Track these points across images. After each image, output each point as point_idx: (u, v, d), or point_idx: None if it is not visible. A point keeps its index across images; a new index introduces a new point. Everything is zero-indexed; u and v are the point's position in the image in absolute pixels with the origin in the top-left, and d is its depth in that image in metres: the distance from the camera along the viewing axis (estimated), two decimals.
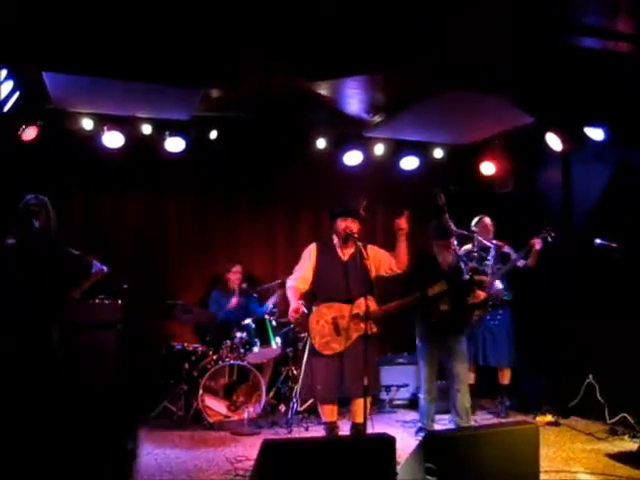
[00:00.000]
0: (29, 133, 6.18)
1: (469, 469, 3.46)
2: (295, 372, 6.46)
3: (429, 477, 3.32)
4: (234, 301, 6.80)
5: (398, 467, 3.51)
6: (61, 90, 5.85)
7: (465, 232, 5.90)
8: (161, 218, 7.34)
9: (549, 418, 6.16)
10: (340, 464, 3.26)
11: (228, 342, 6.35)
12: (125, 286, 6.27)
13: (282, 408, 6.57)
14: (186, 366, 6.31)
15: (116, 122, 6.54)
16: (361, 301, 4.72)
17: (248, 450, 5.23)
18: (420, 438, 4.23)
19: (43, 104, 6.18)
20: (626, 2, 4.46)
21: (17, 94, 5.52)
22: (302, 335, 6.33)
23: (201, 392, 6.02)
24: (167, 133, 6.72)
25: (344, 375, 4.86)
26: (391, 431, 4.32)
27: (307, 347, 5.11)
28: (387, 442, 3.39)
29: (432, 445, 3.46)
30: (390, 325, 5.37)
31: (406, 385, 7.02)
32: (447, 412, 5.92)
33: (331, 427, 5.02)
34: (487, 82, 5.47)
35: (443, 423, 5.98)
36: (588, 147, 6.36)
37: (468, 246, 6.17)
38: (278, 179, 7.54)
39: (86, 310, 6.03)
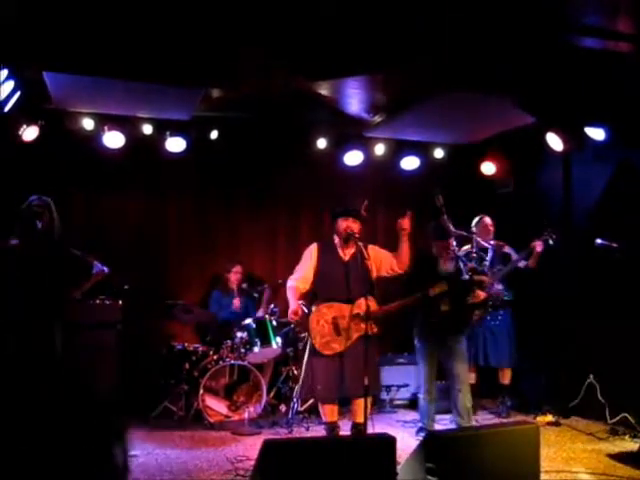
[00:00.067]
0: (30, 133, 6.18)
1: (470, 469, 3.46)
2: (295, 372, 6.46)
3: (430, 477, 3.32)
4: (236, 303, 6.80)
5: (398, 467, 3.50)
6: (62, 90, 5.85)
7: (464, 233, 5.91)
8: (161, 218, 7.34)
9: (550, 418, 6.16)
10: (340, 464, 3.26)
11: (229, 342, 6.35)
12: (126, 287, 6.28)
13: (283, 408, 6.57)
14: (187, 366, 6.32)
15: (117, 122, 6.54)
16: (362, 301, 4.72)
17: (249, 450, 5.23)
18: (420, 438, 4.23)
19: (44, 104, 6.18)
20: (626, 2, 4.47)
21: (18, 94, 5.51)
22: (302, 335, 6.33)
23: (202, 392, 6.02)
24: (168, 133, 6.73)
25: (344, 375, 4.86)
26: (391, 431, 4.33)
27: (307, 347, 5.12)
28: (387, 442, 3.38)
29: (432, 445, 3.46)
30: (390, 325, 5.38)
31: (406, 385, 7.01)
32: (447, 412, 5.93)
33: (332, 427, 5.02)
34: (487, 82, 5.47)
35: (444, 423, 5.98)
36: (588, 147, 6.36)
37: (467, 247, 6.18)
38: (278, 179, 7.54)
39: (86, 310, 6.04)
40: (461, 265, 5.43)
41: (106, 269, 5.32)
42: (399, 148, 7.65)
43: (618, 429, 5.73)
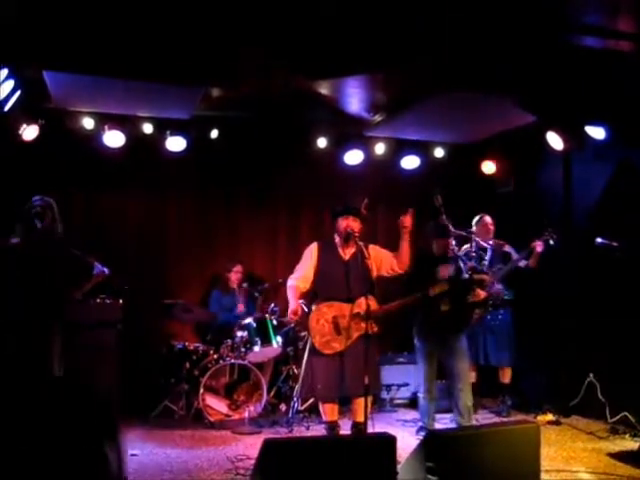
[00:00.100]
0: (30, 132, 6.18)
1: (470, 468, 3.46)
2: (296, 371, 6.46)
3: (430, 476, 3.32)
4: (241, 307, 6.79)
5: (399, 466, 3.50)
6: (62, 89, 5.85)
7: (463, 233, 5.91)
8: (162, 217, 7.35)
9: (550, 417, 6.16)
10: (341, 463, 3.26)
11: (229, 341, 6.35)
12: (126, 287, 6.28)
13: (283, 407, 6.57)
14: (187, 365, 6.32)
15: (117, 121, 6.54)
16: (362, 300, 4.72)
17: (249, 449, 5.23)
18: (421, 437, 4.24)
19: (44, 103, 6.18)
20: (626, 1, 4.46)
21: (18, 93, 5.52)
22: (303, 334, 6.33)
23: (202, 391, 6.02)
24: (168, 132, 6.73)
25: (345, 374, 4.86)
26: (392, 430, 4.33)
27: (307, 346, 5.12)
28: (388, 441, 3.39)
29: (433, 444, 3.46)
30: (391, 324, 5.37)
31: (407, 384, 7.02)
32: (447, 411, 5.93)
33: (332, 426, 5.02)
34: (487, 82, 5.47)
35: (444, 422, 5.98)
36: (589, 146, 6.36)
37: (466, 246, 6.18)
38: (279, 178, 7.54)
39: (87, 310, 6.03)
40: (461, 264, 5.43)
41: (106, 270, 5.33)
42: (399, 147, 7.65)
43: (618, 428, 5.73)
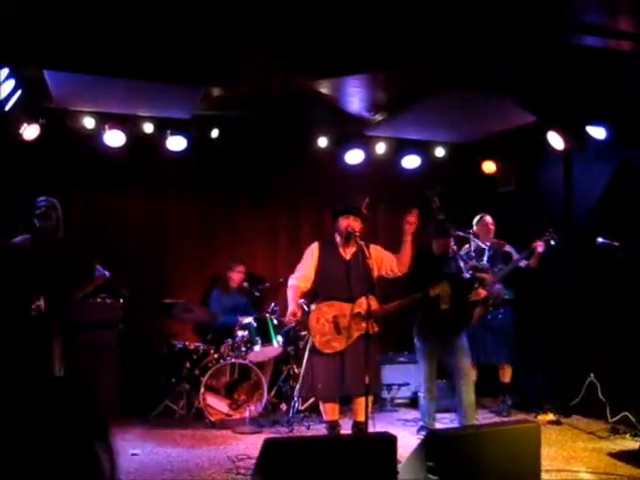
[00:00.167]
0: (30, 132, 6.19)
1: (470, 468, 3.46)
2: (296, 371, 6.46)
3: (430, 476, 3.32)
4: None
5: (399, 466, 3.50)
6: (62, 89, 5.85)
7: (461, 233, 5.92)
8: (162, 217, 7.35)
9: (550, 417, 6.16)
10: (341, 463, 3.26)
11: (229, 341, 6.36)
12: (125, 292, 6.29)
13: (283, 407, 6.57)
14: (187, 365, 6.32)
15: (117, 121, 6.54)
16: (362, 300, 4.73)
17: (249, 449, 5.23)
18: (421, 437, 4.24)
19: (44, 103, 6.18)
20: (627, 1, 4.46)
21: (19, 93, 5.52)
22: (303, 334, 6.33)
23: (202, 391, 6.02)
24: (168, 132, 6.73)
25: (345, 374, 4.86)
26: (392, 430, 4.32)
27: (308, 346, 5.12)
28: (388, 441, 3.39)
29: (433, 444, 3.46)
30: (391, 324, 5.38)
31: (407, 384, 7.02)
32: (448, 411, 5.94)
33: (332, 426, 5.02)
34: (488, 82, 5.47)
35: (444, 422, 5.98)
36: (589, 146, 6.35)
37: (466, 247, 6.20)
38: (279, 178, 7.54)
39: (87, 310, 6.04)
40: (461, 264, 5.43)
41: (107, 273, 5.34)
42: (400, 147, 7.64)
43: (619, 428, 5.73)
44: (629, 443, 5.39)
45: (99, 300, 6.24)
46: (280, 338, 6.44)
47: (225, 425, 6.03)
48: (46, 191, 5.23)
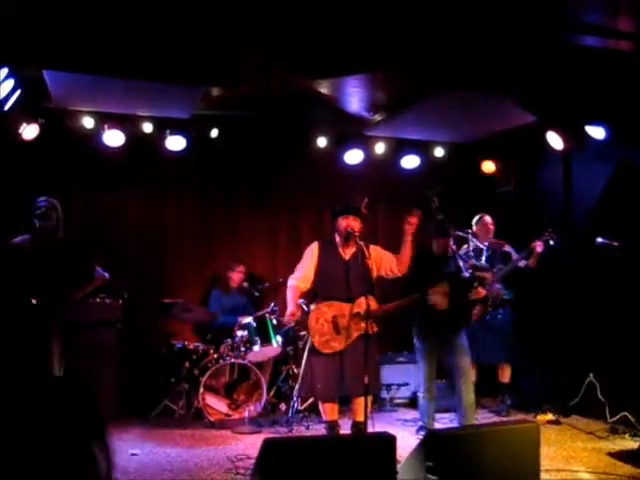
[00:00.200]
0: (30, 132, 6.18)
1: (470, 468, 3.46)
2: (295, 371, 6.46)
3: (430, 476, 3.32)
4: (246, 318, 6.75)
5: (399, 466, 3.51)
6: (62, 88, 5.85)
7: (460, 233, 5.92)
8: (161, 217, 7.35)
9: (550, 417, 6.16)
10: (341, 463, 3.26)
11: (229, 341, 6.36)
12: (125, 295, 6.29)
13: (283, 407, 6.57)
14: (187, 365, 6.32)
15: (117, 120, 6.54)
16: (362, 300, 4.72)
17: (249, 449, 5.24)
18: (421, 437, 4.24)
19: (44, 102, 6.18)
20: (626, 1, 4.46)
21: (18, 92, 5.52)
22: (302, 334, 6.33)
23: (202, 390, 6.02)
24: (168, 131, 6.72)
25: (344, 374, 4.86)
26: (392, 430, 4.32)
27: (307, 346, 5.12)
28: (388, 441, 3.39)
29: (433, 444, 3.46)
30: (390, 324, 5.38)
31: (406, 384, 7.02)
32: (447, 411, 5.94)
33: (332, 426, 5.02)
34: (487, 82, 5.47)
35: (444, 422, 5.98)
36: (589, 146, 6.36)
37: (465, 247, 6.20)
38: (279, 178, 7.54)
39: (87, 310, 6.04)
40: (461, 263, 5.43)
41: (107, 275, 5.34)
42: (399, 147, 7.64)
43: (618, 428, 5.73)
44: (628, 443, 5.39)
45: (98, 300, 6.24)
46: (279, 338, 6.44)
47: (224, 425, 6.03)
48: (46, 191, 5.23)
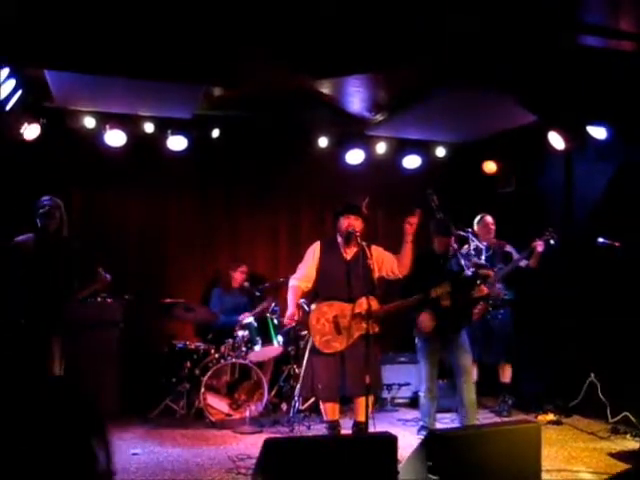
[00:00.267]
0: (31, 131, 6.19)
1: (471, 468, 3.46)
2: (297, 370, 6.46)
3: (431, 476, 3.32)
4: (246, 315, 6.75)
5: (400, 466, 3.51)
6: (63, 88, 5.86)
7: (461, 233, 5.92)
8: (162, 216, 7.35)
9: (551, 417, 6.16)
10: (342, 463, 3.27)
11: (230, 340, 6.36)
12: (126, 297, 6.30)
13: (284, 406, 6.57)
14: (188, 364, 6.32)
15: (118, 120, 6.55)
16: (363, 300, 4.72)
17: (250, 448, 5.23)
18: (422, 437, 4.23)
19: (45, 102, 6.19)
20: (628, 0, 4.46)
21: (19, 92, 5.52)
22: (303, 333, 6.33)
23: (203, 390, 6.02)
24: (169, 131, 6.73)
25: (345, 374, 4.86)
26: (393, 430, 4.32)
27: (308, 345, 5.12)
28: (389, 441, 3.39)
29: (434, 444, 3.46)
30: (391, 324, 5.37)
31: (408, 384, 7.01)
32: (448, 411, 5.93)
33: (333, 426, 5.02)
34: (488, 82, 5.47)
35: (445, 422, 5.98)
36: (590, 146, 6.36)
37: (465, 247, 6.20)
38: (279, 178, 7.54)
39: (87, 309, 6.04)
40: (462, 262, 5.43)
41: (108, 276, 5.35)
42: (400, 147, 7.65)
43: (619, 428, 5.72)
44: (629, 443, 5.38)
45: (99, 300, 6.24)
46: (280, 338, 6.44)
47: (225, 425, 6.03)
48: (46, 191, 5.23)
